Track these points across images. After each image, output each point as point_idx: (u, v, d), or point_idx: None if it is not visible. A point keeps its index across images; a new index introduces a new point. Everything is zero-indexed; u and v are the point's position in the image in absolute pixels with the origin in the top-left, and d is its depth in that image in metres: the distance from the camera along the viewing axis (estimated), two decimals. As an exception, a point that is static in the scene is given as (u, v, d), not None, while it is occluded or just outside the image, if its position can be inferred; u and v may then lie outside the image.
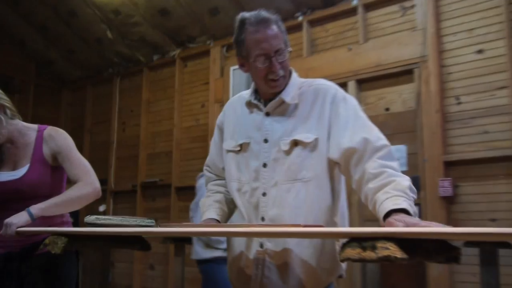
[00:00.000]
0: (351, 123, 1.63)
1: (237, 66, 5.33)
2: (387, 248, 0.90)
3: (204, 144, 5.55)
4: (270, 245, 1.68)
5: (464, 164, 3.88)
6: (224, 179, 1.90)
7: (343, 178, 1.75)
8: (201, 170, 4.72)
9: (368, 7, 4.62)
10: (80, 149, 2.23)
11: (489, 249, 1.62)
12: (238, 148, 1.76)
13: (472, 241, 1.64)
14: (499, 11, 3.88)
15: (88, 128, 7.05)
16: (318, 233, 1.15)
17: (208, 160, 1.98)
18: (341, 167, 1.65)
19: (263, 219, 1.68)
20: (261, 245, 1.69)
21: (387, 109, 4.36)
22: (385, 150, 1.55)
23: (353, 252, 0.93)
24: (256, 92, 1.79)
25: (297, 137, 1.66)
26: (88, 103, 7.12)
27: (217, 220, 1.78)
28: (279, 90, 1.71)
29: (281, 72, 1.67)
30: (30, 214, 1.94)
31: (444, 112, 4.04)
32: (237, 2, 5.15)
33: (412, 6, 4.34)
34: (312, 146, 1.65)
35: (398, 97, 4.32)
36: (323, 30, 4.90)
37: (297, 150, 1.66)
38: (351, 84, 4.47)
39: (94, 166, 2.20)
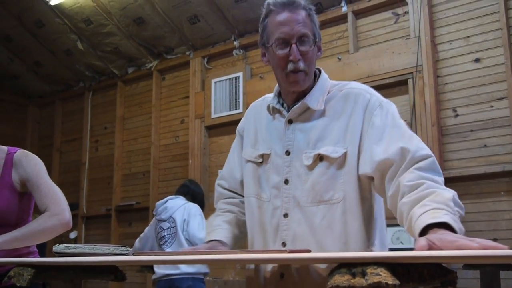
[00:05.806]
0: (387, 132, 1.48)
1: (219, 79, 5.43)
2: (378, 274, 0.91)
3: (185, 163, 5.54)
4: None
5: (462, 181, 3.92)
6: (239, 197, 1.80)
7: (380, 199, 1.59)
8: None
9: (358, 14, 4.69)
10: (49, 170, 2.21)
11: (490, 271, 1.65)
12: (260, 160, 1.64)
13: (472, 264, 1.67)
14: (496, 18, 3.97)
15: (57, 147, 7.01)
16: (304, 259, 1.16)
17: (224, 171, 1.85)
18: (374, 184, 1.50)
19: (284, 244, 1.55)
20: (282, 275, 1.55)
21: (380, 123, 4.39)
22: (426, 161, 1.39)
23: (342, 279, 0.94)
24: (280, 95, 1.67)
25: (323, 150, 1.53)
26: (57, 120, 7.09)
27: (222, 242, 1.65)
28: (300, 88, 1.57)
29: (301, 65, 1.52)
30: None
31: (441, 125, 4.10)
32: (218, 9, 5.20)
33: (405, 13, 4.42)
34: (340, 162, 1.51)
35: (392, 109, 4.36)
36: (311, 39, 4.95)
37: (322, 167, 1.53)
38: (342, 97, 4.50)
39: (64, 189, 2.18)
